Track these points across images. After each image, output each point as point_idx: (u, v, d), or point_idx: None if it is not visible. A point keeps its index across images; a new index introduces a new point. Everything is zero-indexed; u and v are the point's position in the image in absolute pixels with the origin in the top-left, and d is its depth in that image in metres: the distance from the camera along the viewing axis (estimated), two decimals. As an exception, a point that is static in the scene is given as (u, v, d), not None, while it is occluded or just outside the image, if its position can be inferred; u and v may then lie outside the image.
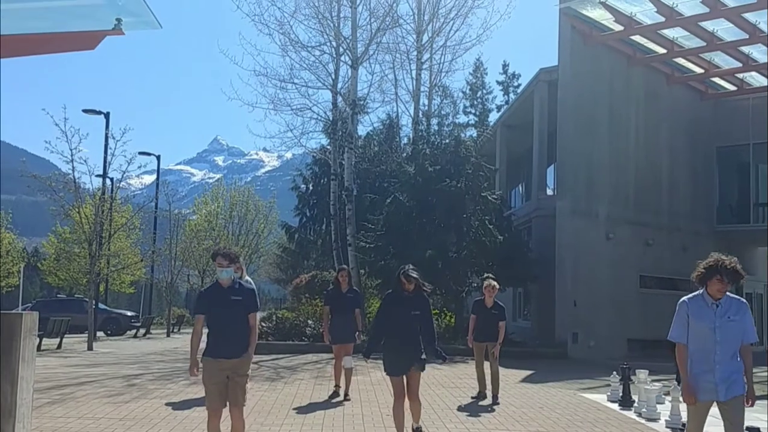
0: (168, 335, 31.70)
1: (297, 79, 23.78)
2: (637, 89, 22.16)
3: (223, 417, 6.09)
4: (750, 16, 18.51)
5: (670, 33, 20.33)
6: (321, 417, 8.77)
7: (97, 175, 25.55)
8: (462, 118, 48.41)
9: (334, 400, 9.95)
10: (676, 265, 22.23)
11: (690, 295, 5.40)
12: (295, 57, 23.71)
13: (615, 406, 10.09)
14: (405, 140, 29.92)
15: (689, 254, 22.40)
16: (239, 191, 37.84)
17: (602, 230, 20.75)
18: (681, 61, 22.38)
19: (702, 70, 22.57)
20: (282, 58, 29.43)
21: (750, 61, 21.32)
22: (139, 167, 22.92)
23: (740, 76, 23.28)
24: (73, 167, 21.10)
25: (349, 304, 10.31)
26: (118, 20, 4.57)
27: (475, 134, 32.92)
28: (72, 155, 20.81)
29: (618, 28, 20.20)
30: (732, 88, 24.04)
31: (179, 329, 36.57)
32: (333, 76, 23.90)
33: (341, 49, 23.68)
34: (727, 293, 5.30)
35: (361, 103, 24.62)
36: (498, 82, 54.41)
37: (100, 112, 27.19)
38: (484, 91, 52.57)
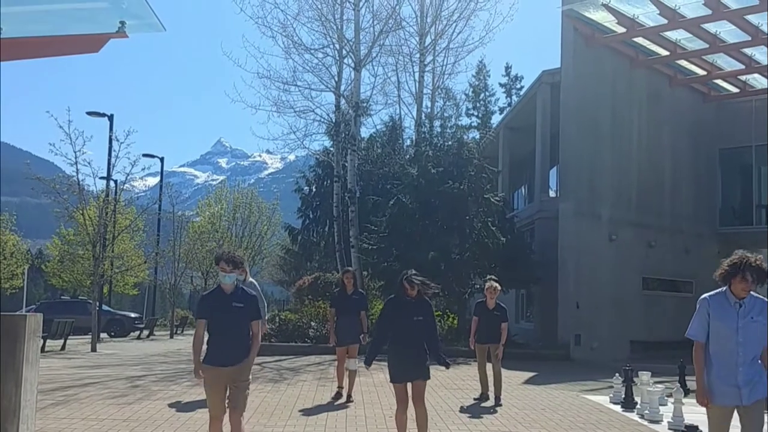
0: (171, 337, 31.77)
1: (300, 81, 23.83)
2: (639, 91, 22.16)
3: (225, 419, 6.10)
4: (752, 18, 18.50)
5: (672, 35, 20.32)
6: (324, 418, 8.79)
7: (101, 177, 25.64)
8: (465, 121, 48.52)
9: (336, 402, 9.98)
10: (679, 267, 22.27)
11: (712, 292, 5.15)
12: (298, 59, 23.77)
13: (617, 408, 10.08)
14: (408, 142, 29.96)
15: (692, 256, 22.47)
16: (242, 193, 37.95)
17: (605, 232, 20.74)
18: (683, 63, 22.37)
19: (705, 72, 22.56)
20: (285, 61, 29.43)
21: (753, 63, 21.30)
22: (143, 169, 22.94)
23: (743, 78, 23.26)
24: (77, 169, 21.21)
25: (355, 306, 10.35)
26: (122, 23, 4.61)
27: (477, 136, 32.98)
28: (76, 157, 20.95)
29: (620, 30, 20.20)
30: (735, 90, 24.02)
31: (182, 331, 36.62)
32: (336, 79, 23.94)
33: (344, 52, 23.71)
34: (752, 293, 5.01)
35: (364, 105, 24.66)
36: (500, 85, 54.46)
37: (104, 115, 27.24)
38: (487, 94, 52.62)
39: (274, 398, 10.26)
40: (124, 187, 24.19)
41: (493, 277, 11.36)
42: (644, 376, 9.65)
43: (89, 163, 22.80)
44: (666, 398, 9.93)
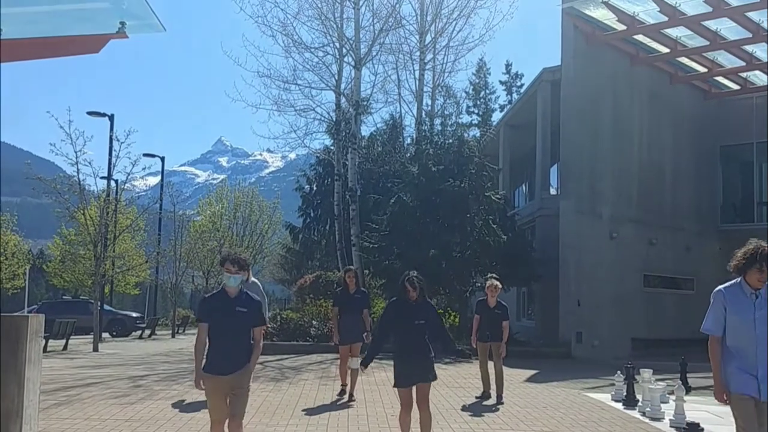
0: (173, 336, 31.80)
1: (300, 80, 23.88)
2: (640, 89, 22.15)
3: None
4: (753, 15, 18.48)
5: (673, 32, 20.31)
6: (326, 417, 8.80)
7: (102, 177, 25.66)
8: (465, 118, 48.40)
9: (339, 402, 9.98)
10: (680, 265, 22.27)
11: (726, 284, 4.92)
12: (299, 58, 23.81)
13: (619, 406, 10.09)
14: (408, 140, 29.93)
15: (693, 253, 22.48)
16: (243, 192, 37.96)
17: (606, 230, 20.74)
18: (684, 60, 22.35)
19: (705, 69, 22.53)
20: (285, 60, 29.42)
21: (753, 60, 21.28)
22: (144, 169, 22.93)
23: (744, 75, 23.24)
24: (78, 169, 21.22)
25: (358, 304, 10.36)
26: (122, 24, 4.61)
27: (478, 134, 32.88)
28: (77, 157, 20.95)
29: (621, 27, 20.19)
30: (735, 87, 24.00)
31: (184, 330, 36.66)
32: (336, 77, 23.96)
33: (344, 50, 23.73)
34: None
35: (365, 103, 24.67)
36: (501, 82, 54.43)
37: (104, 115, 27.25)
38: (487, 91, 52.57)
39: (276, 397, 10.27)
40: (124, 186, 24.27)
41: (494, 275, 11.36)
42: (646, 373, 9.65)
43: (90, 163, 22.82)
44: (667, 396, 9.94)
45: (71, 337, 22.10)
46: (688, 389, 10.40)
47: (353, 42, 23.44)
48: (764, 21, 18.62)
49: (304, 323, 18.94)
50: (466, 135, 25.81)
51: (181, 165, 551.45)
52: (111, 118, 26.93)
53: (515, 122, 28.25)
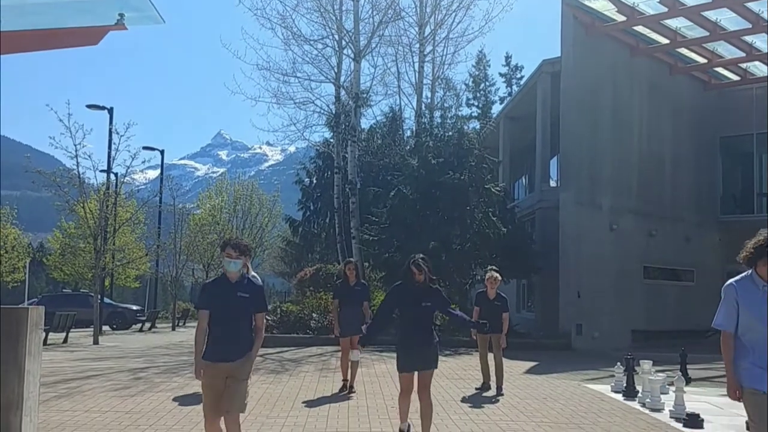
0: (173, 329, 31.84)
1: (300, 72, 23.89)
2: (640, 80, 22.12)
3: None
4: (753, 6, 18.43)
5: (672, 23, 20.26)
6: (326, 409, 8.82)
7: (102, 171, 25.64)
8: (465, 111, 48.44)
9: (340, 394, 9.99)
10: (680, 256, 22.29)
11: (737, 278, 4.73)
12: (298, 51, 23.81)
13: (619, 397, 10.12)
14: (408, 133, 29.95)
15: (693, 245, 22.50)
16: (243, 185, 38.00)
17: (605, 221, 20.74)
18: (684, 51, 22.30)
19: (705, 60, 22.49)
20: (284, 52, 29.61)
21: (753, 51, 21.23)
22: (143, 162, 22.95)
23: (743, 65, 23.19)
24: (78, 162, 21.23)
25: (358, 297, 10.36)
26: (121, 15, 4.60)
27: (478, 126, 32.94)
28: (76, 151, 20.96)
29: (620, 18, 20.15)
30: (735, 77, 23.95)
31: (184, 323, 36.71)
32: (336, 70, 23.95)
33: (344, 43, 23.71)
34: None
35: (364, 96, 24.65)
36: (501, 74, 54.43)
37: (103, 108, 27.21)
38: (487, 83, 52.56)
39: (276, 389, 10.29)
40: (124, 179, 24.28)
41: (493, 267, 11.38)
42: (645, 364, 9.67)
43: (89, 156, 22.77)
44: (667, 387, 9.97)
45: (71, 330, 22.11)
46: (688, 380, 10.42)
47: (352, 34, 23.40)
48: (764, 11, 18.57)
49: (304, 316, 18.97)
50: (465, 127, 25.83)
51: (181, 158, 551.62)
52: (110, 111, 26.89)
53: (515, 114, 28.21)
